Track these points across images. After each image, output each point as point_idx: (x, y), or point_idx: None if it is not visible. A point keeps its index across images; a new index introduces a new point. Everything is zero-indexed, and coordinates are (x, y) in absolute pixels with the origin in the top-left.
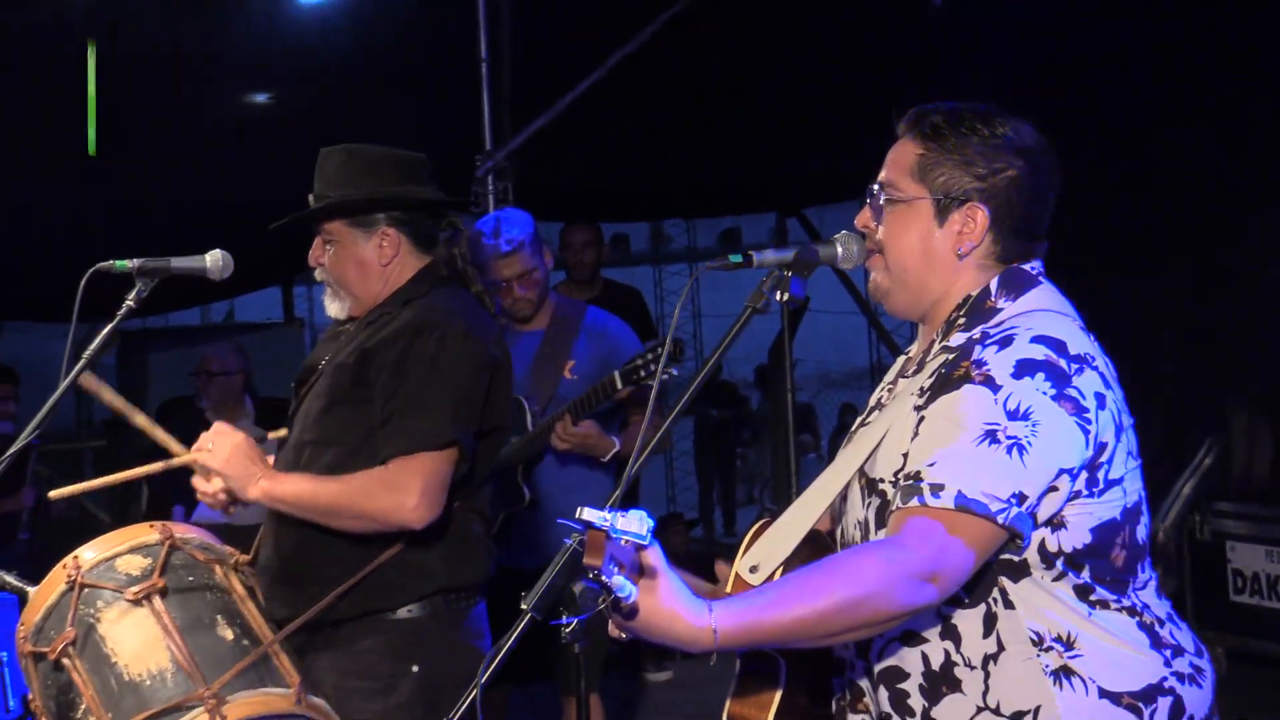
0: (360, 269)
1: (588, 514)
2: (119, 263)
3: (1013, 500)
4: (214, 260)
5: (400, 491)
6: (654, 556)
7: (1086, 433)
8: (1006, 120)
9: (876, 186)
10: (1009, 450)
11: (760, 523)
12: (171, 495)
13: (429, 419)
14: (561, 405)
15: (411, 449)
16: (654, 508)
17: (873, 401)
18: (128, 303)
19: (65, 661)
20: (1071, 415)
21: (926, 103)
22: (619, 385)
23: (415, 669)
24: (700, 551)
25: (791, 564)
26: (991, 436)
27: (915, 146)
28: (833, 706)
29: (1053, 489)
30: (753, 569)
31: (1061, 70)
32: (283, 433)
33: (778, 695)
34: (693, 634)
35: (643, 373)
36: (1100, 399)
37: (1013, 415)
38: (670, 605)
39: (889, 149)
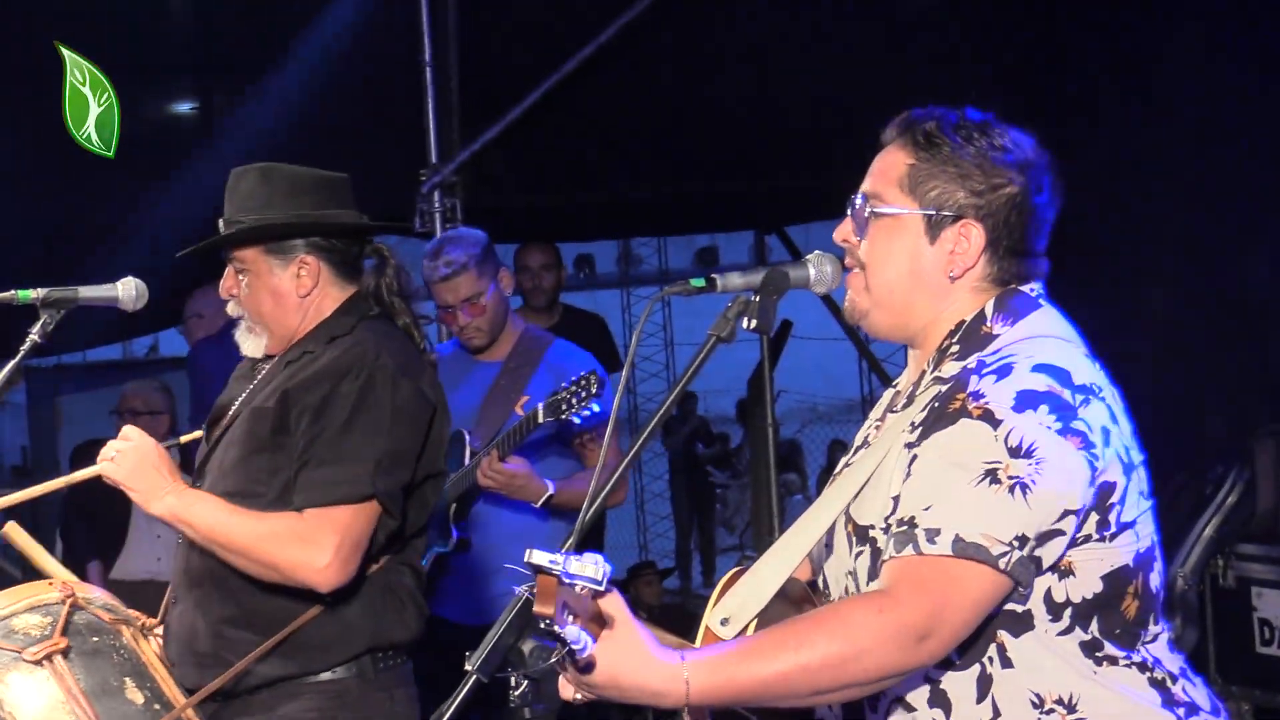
0: (276, 301)
1: (537, 557)
2: (21, 292)
3: (1015, 544)
4: (126, 289)
5: (312, 547)
6: (613, 604)
7: (1094, 469)
8: (1006, 131)
9: (860, 198)
10: (1011, 490)
11: (734, 571)
12: (89, 551)
13: (350, 469)
14: None
15: (329, 501)
16: (625, 555)
17: (859, 439)
18: (31, 336)
19: None
20: (1079, 450)
21: (916, 109)
22: (540, 418)
23: None
24: (675, 604)
25: (767, 616)
26: (992, 476)
27: (906, 155)
28: None
29: (1058, 533)
30: (724, 622)
31: (1062, 79)
32: (194, 435)
33: None
34: (662, 686)
35: (564, 406)
36: (1106, 434)
37: (1014, 452)
38: (635, 655)
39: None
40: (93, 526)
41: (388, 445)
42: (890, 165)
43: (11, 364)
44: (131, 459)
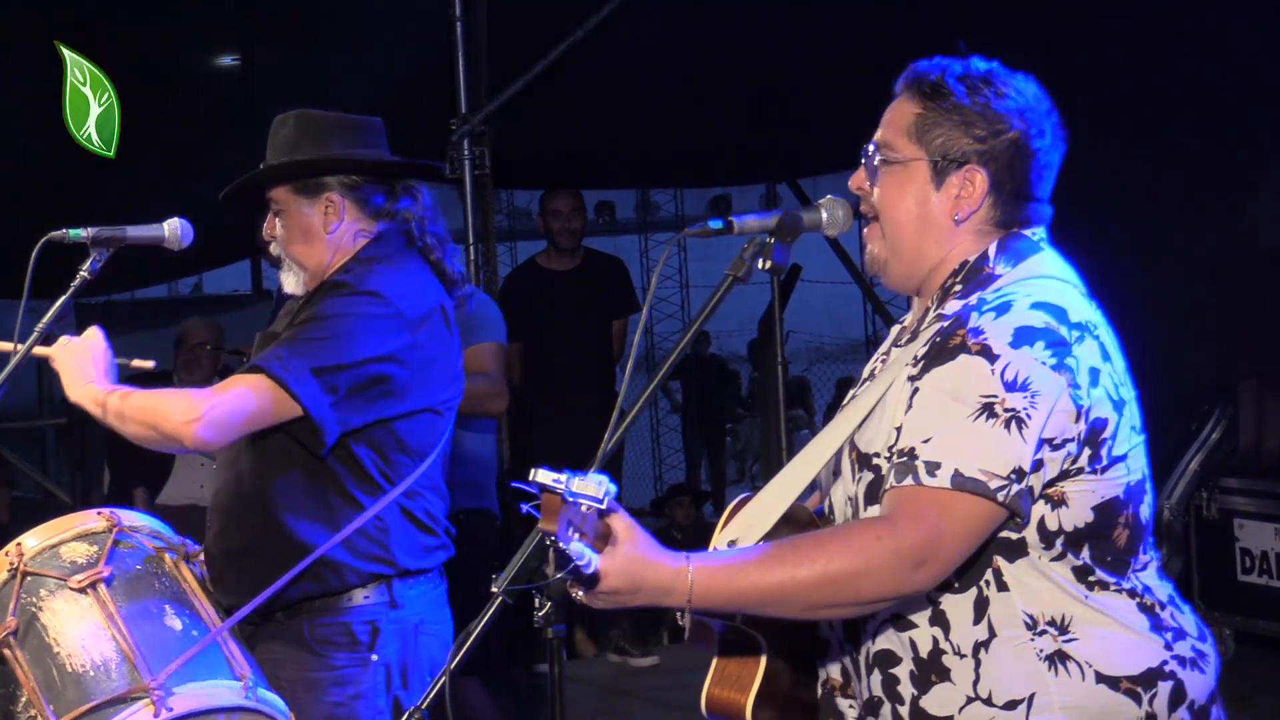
0: (306, 238)
1: (542, 476)
2: (72, 231)
3: (1012, 477)
4: (171, 229)
5: (191, 406)
6: (618, 521)
7: (1079, 407)
8: (1009, 79)
9: (871, 147)
10: (1007, 425)
11: (742, 497)
12: (135, 478)
13: (278, 354)
14: None
15: (242, 373)
16: (641, 484)
17: (865, 372)
18: (81, 273)
19: (6, 652)
20: (1069, 388)
21: (923, 60)
22: None
23: (374, 657)
24: (710, 524)
25: (772, 539)
26: (989, 410)
27: (913, 105)
28: (818, 690)
29: (1049, 461)
30: (731, 544)
31: (1065, 31)
32: (146, 365)
33: (758, 677)
34: (666, 585)
35: None
36: (1095, 373)
37: (1010, 386)
38: (639, 560)
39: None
40: (139, 454)
41: (331, 356)
42: (898, 115)
43: (61, 300)
44: (75, 348)
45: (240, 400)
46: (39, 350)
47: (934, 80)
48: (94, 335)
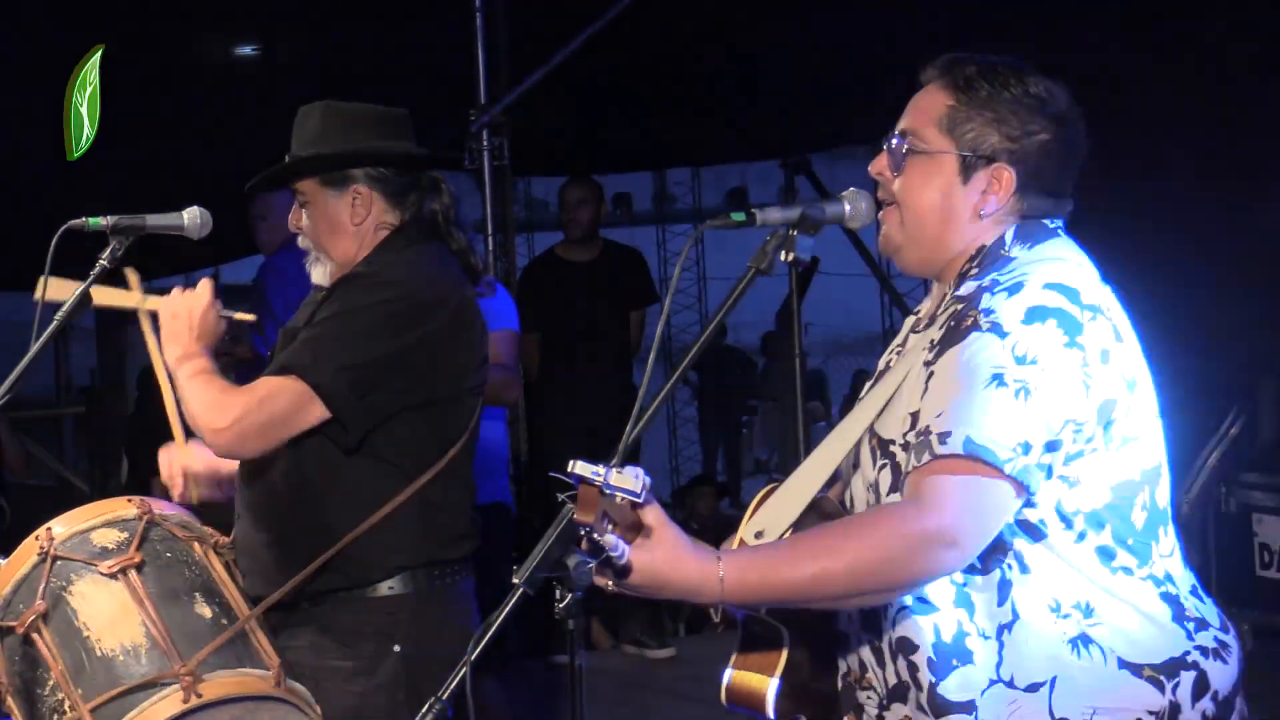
0: (333, 230)
1: (580, 468)
2: (92, 220)
3: (1018, 450)
4: (191, 217)
5: (221, 414)
6: (652, 514)
7: (1088, 386)
8: (1040, 79)
9: (898, 134)
10: (1016, 393)
11: (767, 488)
12: (153, 467)
13: (304, 354)
14: None
15: (270, 374)
16: (656, 477)
17: (882, 363)
18: (101, 262)
19: (34, 636)
20: (1080, 366)
21: (959, 51)
22: None
23: (397, 648)
24: (731, 517)
25: (799, 529)
26: (999, 380)
27: (945, 97)
28: (839, 682)
29: (1059, 442)
30: (758, 535)
31: (1087, 21)
32: (248, 317)
33: (779, 667)
34: (699, 582)
35: None
36: (1106, 353)
37: (1021, 360)
38: (672, 556)
39: (895, 97)
40: (156, 443)
41: (360, 351)
42: (930, 105)
43: (82, 287)
44: (177, 306)
45: (270, 404)
46: (151, 303)
47: (969, 73)
48: (203, 291)
